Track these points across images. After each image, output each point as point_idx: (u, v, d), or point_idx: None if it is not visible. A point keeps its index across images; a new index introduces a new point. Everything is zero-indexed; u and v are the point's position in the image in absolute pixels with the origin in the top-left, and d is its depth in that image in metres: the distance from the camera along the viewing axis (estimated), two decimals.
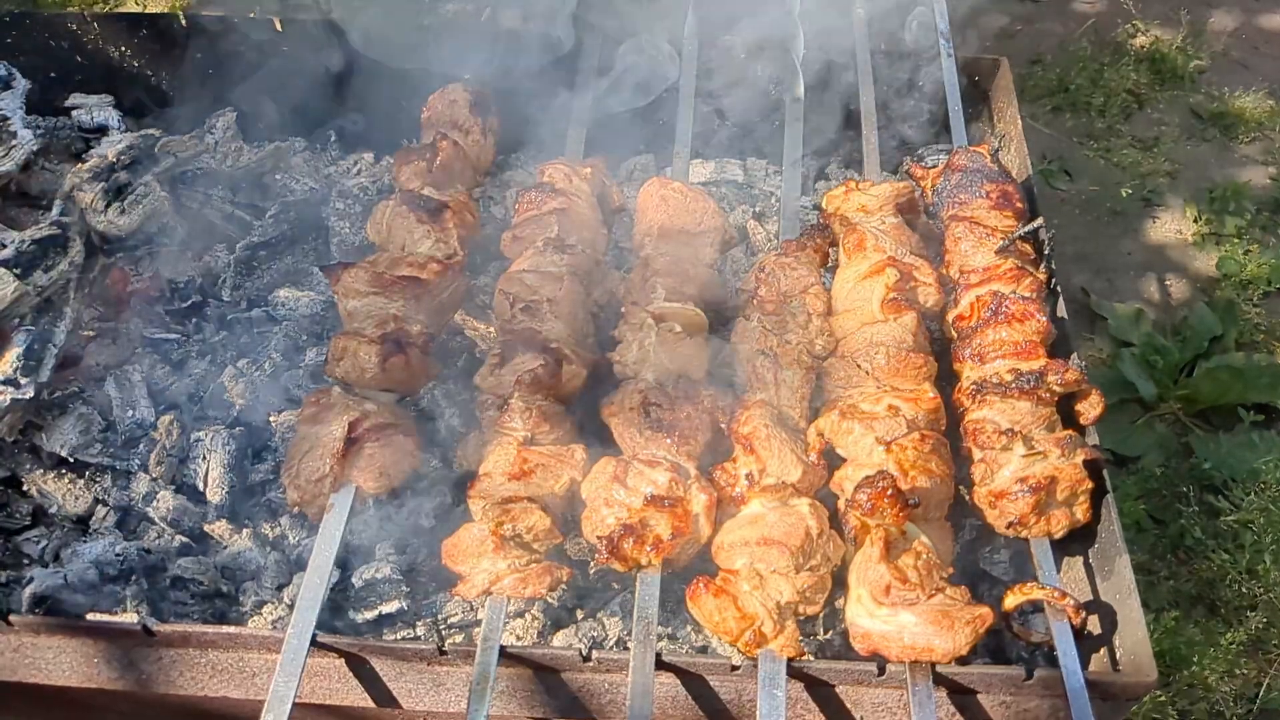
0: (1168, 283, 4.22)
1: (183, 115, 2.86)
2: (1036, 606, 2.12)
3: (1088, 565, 2.09)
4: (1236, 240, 4.20)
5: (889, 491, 1.81)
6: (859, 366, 2.10)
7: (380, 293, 2.14)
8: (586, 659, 1.84)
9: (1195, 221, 4.29)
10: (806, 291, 2.20)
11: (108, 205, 2.40)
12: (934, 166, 2.40)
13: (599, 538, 1.91)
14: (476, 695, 1.77)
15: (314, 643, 1.84)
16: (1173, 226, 4.33)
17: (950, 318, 2.20)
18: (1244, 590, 3.59)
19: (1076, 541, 2.09)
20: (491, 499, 1.95)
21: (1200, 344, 3.94)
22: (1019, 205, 2.29)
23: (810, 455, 2.00)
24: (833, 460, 2.07)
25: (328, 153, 2.97)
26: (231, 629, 1.88)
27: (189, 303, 2.60)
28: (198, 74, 2.89)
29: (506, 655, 1.84)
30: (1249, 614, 3.56)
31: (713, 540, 1.96)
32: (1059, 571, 2.03)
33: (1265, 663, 3.50)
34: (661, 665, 1.84)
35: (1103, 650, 2.00)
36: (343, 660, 1.90)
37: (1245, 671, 3.35)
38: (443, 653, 1.85)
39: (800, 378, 2.10)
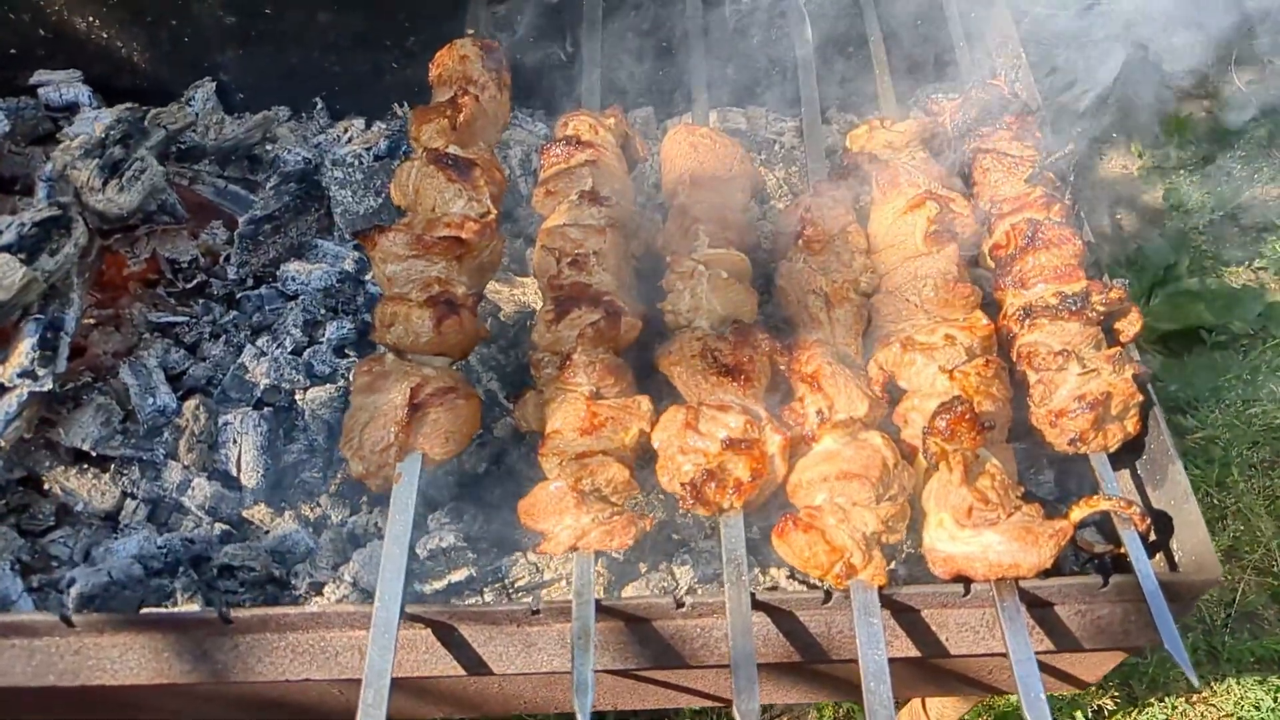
0: (1119, 217, 4.38)
1: (158, 88, 2.71)
2: (1083, 521, 2.20)
3: (1136, 476, 2.16)
4: (1180, 172, 4.39)
5: (967, 415, 1.85)
6: (908, 300, 2.13)
7: (421, 255, 2.07)
8: (680, 605, 1.84)
9: (1139, 156, 4.47)
10: (846, 230, 2.21)
11: (105, 183, 2.26)
12: (950, 101, 2.44)
13: (682, 484, 1.90)
14: (580, 650, 1.74)
15: (403, 614, 1.79)
16: (1119, 162, 4.50)
17: (986, 247, 2.25)
18: (1216, 502, 3.78)
19: (1122, 455, 2.16)
20: (566, 455, 1.92)
21: (1156, 273, 4.12)
22: (1039, 134, 2.35)
23: (874, 389, 2.02)
24: (889, 394, 2.10)
25: (315, 120, 2.86)
26: (315, 609, 1.81)
27: (193, 283, 2.49)
28: (173, 42, 2.74)
29: (601, 609, 1.82)
30: (1221, 524, 3.76)
31: (787, 480, 1.97)
32: None
33: (1239, 569, 3.70)
34: (755, 605, 1.84)
35: (1158, 556, 2.08)
36: (429, 630, 1.85)
37: (1224, 579, 3.54)
38: (536, 613, 1.82)
39: (852, 315, 2.12)
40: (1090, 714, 3.34)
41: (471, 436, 2.01)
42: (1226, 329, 3.96)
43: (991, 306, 2.22)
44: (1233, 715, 3.41)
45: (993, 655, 1.98)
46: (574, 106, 2.47)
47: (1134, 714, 3.39)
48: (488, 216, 2.18)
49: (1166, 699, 3.42)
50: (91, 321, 2.37)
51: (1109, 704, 3.37)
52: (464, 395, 1.99)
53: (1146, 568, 1.87)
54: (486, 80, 2.36)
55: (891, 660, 1.82)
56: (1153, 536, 2.08)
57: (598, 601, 1.82)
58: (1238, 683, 3.46)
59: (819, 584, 1.95)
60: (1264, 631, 3.57)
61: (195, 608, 1.99)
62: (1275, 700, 3.40)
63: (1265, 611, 3.60)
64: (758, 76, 2.83)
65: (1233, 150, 4.49)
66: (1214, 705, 3.41)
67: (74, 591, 1.98)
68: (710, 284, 2.10)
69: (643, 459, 2.05)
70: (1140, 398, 2.05)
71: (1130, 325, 2.14)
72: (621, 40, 2.73)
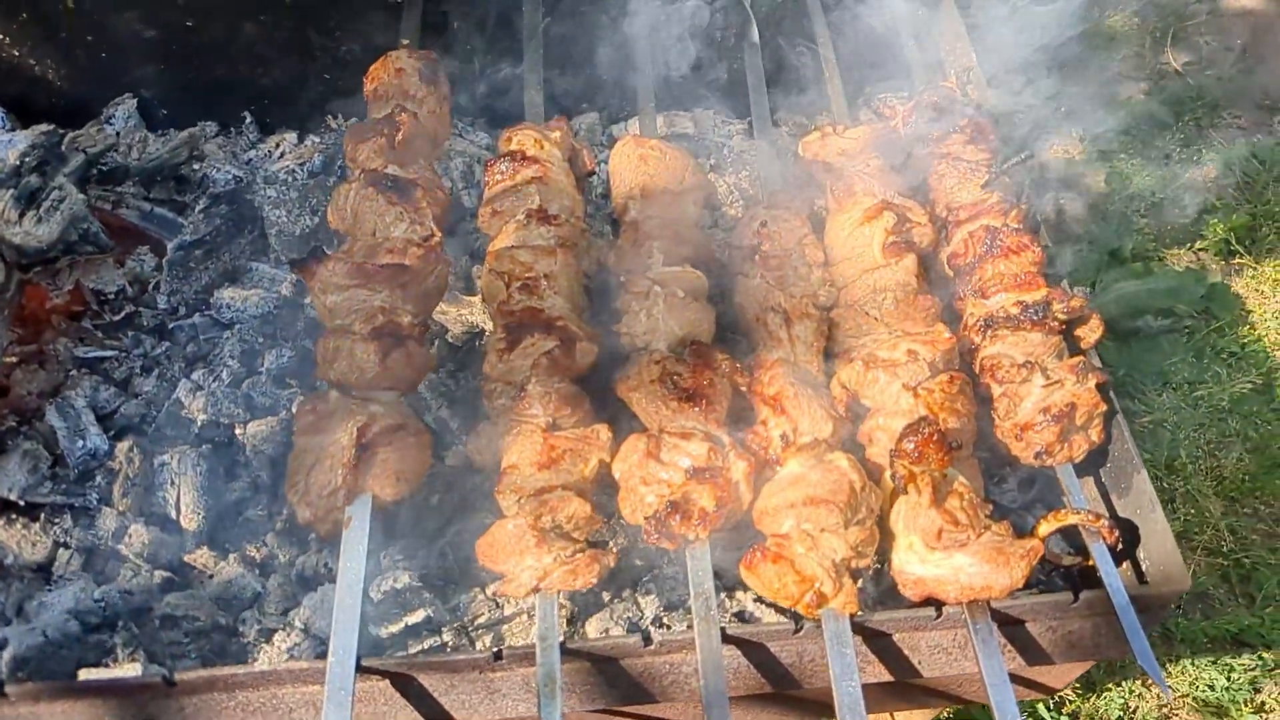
0: (1063, 202, 4.40)
1: (76, 106, 2.56)
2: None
3: (1100, 485, 2.15)
4: (1122, 156, 4.42)
5: (934, 437, 1.81)
6: (867, 314, 2.08)
7: (363, 284, 1.98)
8: (648, 643, 1.78)
9: (1081, 141, 4.48)
10: (802, 243, 2.16)
11: (21, 215, 2.12)
12: (902, 103, 2.39)
13: (646, 518, 1.84)
14: (546, 697, 1.68)
15: (359, 668, 1.71)
16: (1060, 148, 4.51)
17: (944, 256, 2.21)
18: (1165, 485, 3.82)
19: (1085, 463, 2.15)
20: (524, 492, 1.85)
21: (1101, 258, 4.13)
22: (992, 138, 2.31)
23: (838, 409, 1.98)
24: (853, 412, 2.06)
25: (244, 135, 2.73)
26: (265, 667, 1.72)
27: (121, 314, 2.36)
28: (89, 59, 2.58)
29: (567, 652, 1.76)
30: (1171, 507, 3.79)
31: (753, 506, 1.92)
32: None
33: (1190, 551, 3.74)
34: (725, 639, 1.79)
35: (1125, 565, 2.07)
36: (387, 682, 1.78)
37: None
38: (498, 657, 1.76)
39: (812, 331, 2.07)
40: (1052, 704, 3.36)
41: (423, 474, 1.93)
42: (1171, 312, 3.99)
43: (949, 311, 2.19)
44: (1188, 696, 3.45)
45: (965, 675, 1.96)
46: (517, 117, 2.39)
47: (1093, 699, 3.42)
48: (432, 240, 2.09)
49: (1124, 684, 3.46)
50: (13, 360, 2.24)
51: (1069, 694, 3.39)
52: (414, 432, 1.91)
53: (1116, 581, 1.86)
54: (425, 94, 2.26)
55: (864, 685, 1.78)
56: (1120, 546, 2.07)
57: (562, 644, 1.76)
58: (1192, 664, 3.50)
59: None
60: (1215, 611, 3.62)
61: (137, 665, 1.89)
62: (1229, 679, 3.44)
63: (1216, 591, 3.65)
64: (705, 79, 2.76)
65: (1172, 133, 4.52)
66: (1169, 687, 3.44)
67: (6, 654, 1.86)
68: (666, 304, 2.04)
69: (603, 483, 1.98)
70: (1104, 407, 2.04)
71: (1091, 332, 2.12)
72: (564, 44, 2.64)
